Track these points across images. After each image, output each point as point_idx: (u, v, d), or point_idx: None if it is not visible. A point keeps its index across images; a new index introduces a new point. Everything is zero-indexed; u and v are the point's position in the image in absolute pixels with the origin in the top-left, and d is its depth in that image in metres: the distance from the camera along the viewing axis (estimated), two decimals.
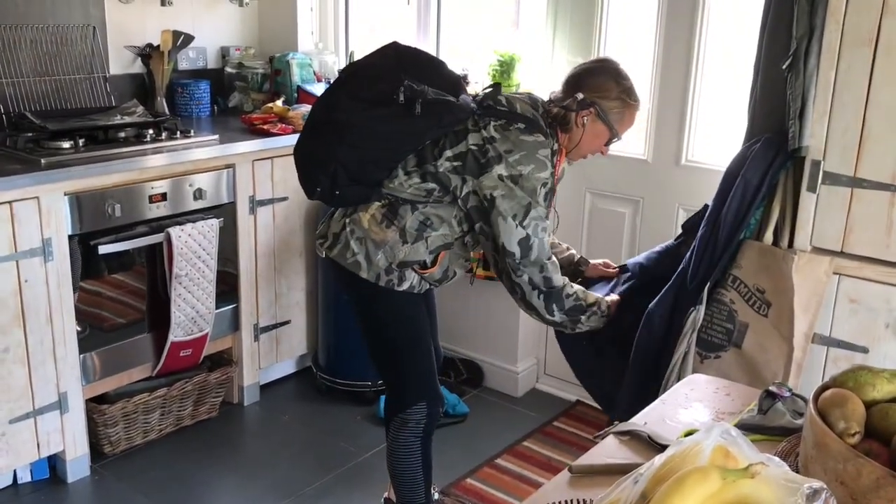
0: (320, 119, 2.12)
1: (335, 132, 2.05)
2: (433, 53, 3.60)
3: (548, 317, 2.15)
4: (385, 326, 2.23)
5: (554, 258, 2.14)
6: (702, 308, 2.30)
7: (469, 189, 2.04)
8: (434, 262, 2.14)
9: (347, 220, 2.15)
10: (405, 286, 2.15)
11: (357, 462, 2.98)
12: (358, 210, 2.13)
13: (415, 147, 2.07)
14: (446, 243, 2.13)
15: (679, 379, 2.26)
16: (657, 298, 2.35)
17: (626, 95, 2.12)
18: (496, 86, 2.16)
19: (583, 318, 2.18)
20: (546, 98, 2.20)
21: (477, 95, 2.15)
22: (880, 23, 2.03)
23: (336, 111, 2.07)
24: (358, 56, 3.66)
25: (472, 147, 2.03)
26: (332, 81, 3.51)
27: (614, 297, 2.31)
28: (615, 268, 2.48)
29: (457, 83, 2.15)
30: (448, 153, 2.05)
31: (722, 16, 2.88)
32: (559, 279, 2.13)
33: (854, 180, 2.14)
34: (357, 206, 2.14)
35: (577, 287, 2.19)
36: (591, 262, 2.51)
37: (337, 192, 2.10)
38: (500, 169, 2.01)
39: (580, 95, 2.09)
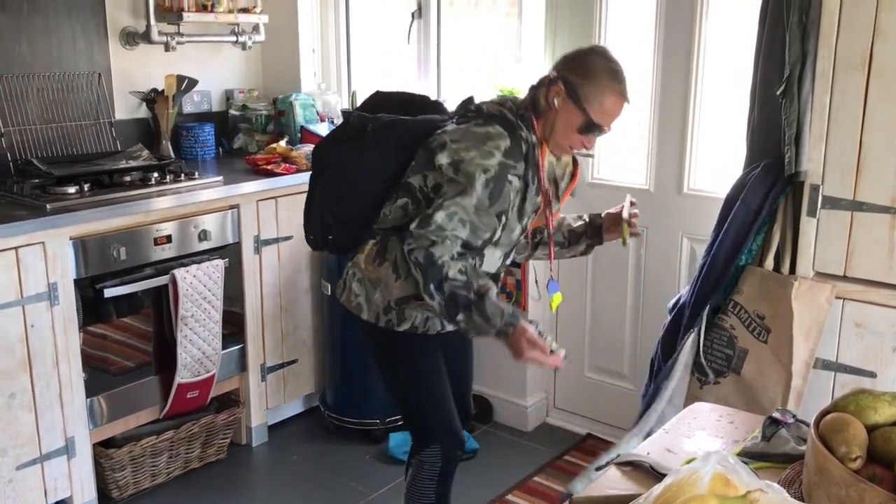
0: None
1: (317, 175, 2.15)
2: (434, 90, 3.65)
3: (425, 295, 1.90)
4: (391, 369, 2.21)
5: (452, 256, 1.88)
6: (699, 331, 2.29)
7: (433, 182, 1.97)
8: None
9: (350, 264, 2.16)
10: (405, 326, 2.09)
11: (366, 501, 2.95)
12: (358, 252, 2.14)
13: (387, 174, 2.05)
14: None
15: (671, 402, 2.25)
16: (664, 326, 2.35)
17: (605, 75, 1.93)
18: (469, 98, 2.11)
19: (460, 315, 1.87)
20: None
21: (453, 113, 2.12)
22: (872, 46, 2.04)
23: (318, 159, 2.19)
24: (360, 95, 3.75)
25: (428, 143, 2.00)
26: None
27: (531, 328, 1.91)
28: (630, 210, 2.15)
29: (428, 107, 2.16)
30: (413, 164, 2.03)
31: (718, 43, 2.89)
32: (444, 259, 1.87)
33: (854, 204, 2.14)
34: (356, 249, 2.15)
35: (483, 283, 1.88)
36: (605, 213, 2.21)
37: (330, 237, 2.14)
38: (442, 157, 1.93)
39: (552, 73, 1.98)
